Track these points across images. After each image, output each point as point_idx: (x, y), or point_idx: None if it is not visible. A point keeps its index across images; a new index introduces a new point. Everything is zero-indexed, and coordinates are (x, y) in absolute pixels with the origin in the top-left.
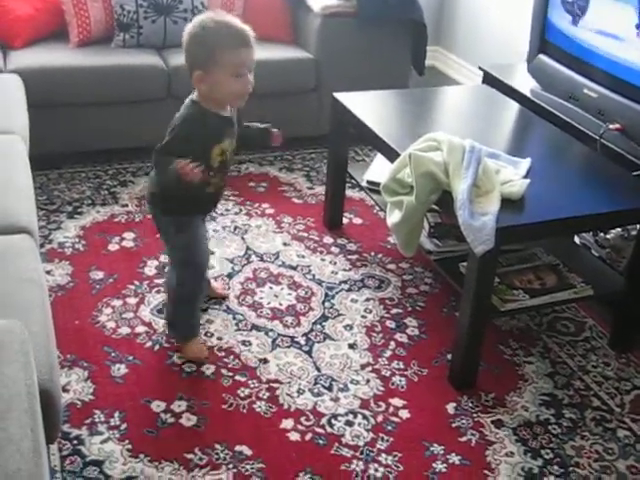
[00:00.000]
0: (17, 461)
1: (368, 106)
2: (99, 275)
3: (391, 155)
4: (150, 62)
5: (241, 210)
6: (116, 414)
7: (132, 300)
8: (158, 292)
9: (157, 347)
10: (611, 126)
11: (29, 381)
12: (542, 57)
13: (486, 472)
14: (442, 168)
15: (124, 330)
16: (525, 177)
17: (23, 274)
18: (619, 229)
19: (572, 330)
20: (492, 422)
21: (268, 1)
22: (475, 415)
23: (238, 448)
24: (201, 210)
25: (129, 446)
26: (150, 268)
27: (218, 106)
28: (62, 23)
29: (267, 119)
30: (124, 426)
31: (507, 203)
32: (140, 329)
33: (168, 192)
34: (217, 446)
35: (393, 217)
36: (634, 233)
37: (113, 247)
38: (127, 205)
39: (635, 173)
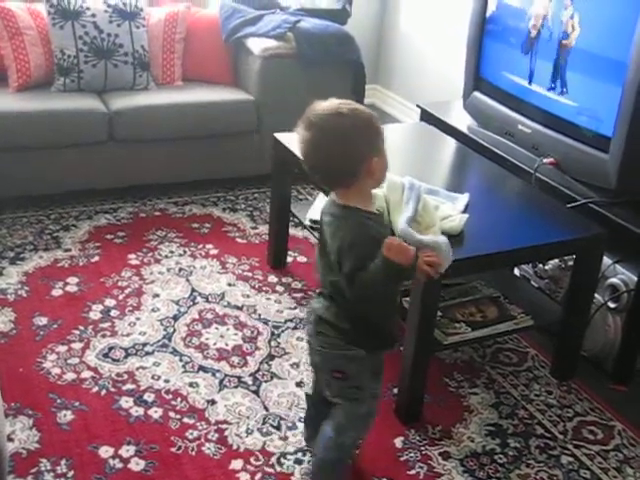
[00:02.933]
0: None
1: None
2: (43, 321)
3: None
4: (91, 106)
5: (185, 252)
6: (63, 462)
7: (77, 345)
8: (103, 336)
9: (104, 392)
10: (545, 160)
11: None
12: (477, 94)
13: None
14: (384, 205)
15: (69, 376)
16: (464, 212)
17: None
18: (557, 260)
19: (515, 360)
20: (439, 454)
21: (208, 44)
22: (422, 448)
23: None
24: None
25: None
26: (95, 312)
27: (369, 200)
28: (1, 68)
29: (210, 160)
30: (71, 474)
31: (448, 238)
32: (86, 374)
33: (373, 314)
34: None
35: None
36: (571, 264)
37: (57, 292)
38: (70, 249)
39: (569, 205)
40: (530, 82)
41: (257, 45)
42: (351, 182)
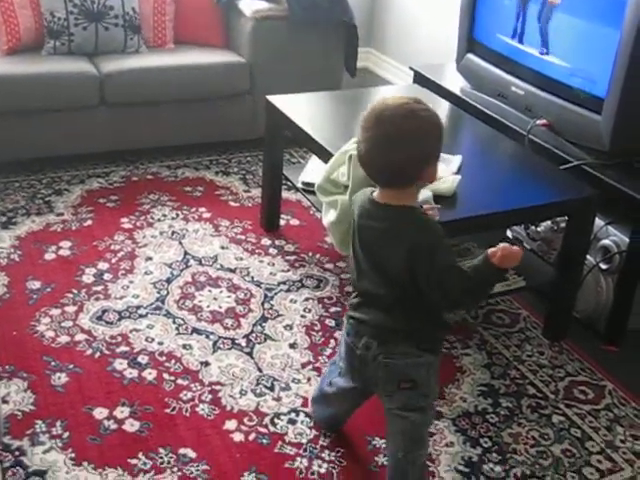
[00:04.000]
0: None
1: (301, 108)
2: (36, 285)
3: (324, 156)
4: (82, 69)
5: (178, 215)
6: (58, 423)
7: (71, 309)
8: (97, 299)
9: (98, 354)
10: (538, 122)
11: None
12: (470, 56)
13: (427, 463)
14: None
15: (63, 339)
16: (456, 173)
17: None
18: (549, 222)
19: (507, 322)
20: None
21: (200, 6)
22: None
23: (182, 451)
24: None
25: (72, 454)
26: (88, 276)
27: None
28: None
29: (202, 124)
30: (66, 435)
31: (440, 199)
32: (80, 337)
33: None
34: (161, 450)
35: (329, 216)
36: (563, 225)
37: (50, 256)
38: (63, 214)
39: (562, 167)
40: (521, 42)
41: (249, 7)
42: (411, 184)
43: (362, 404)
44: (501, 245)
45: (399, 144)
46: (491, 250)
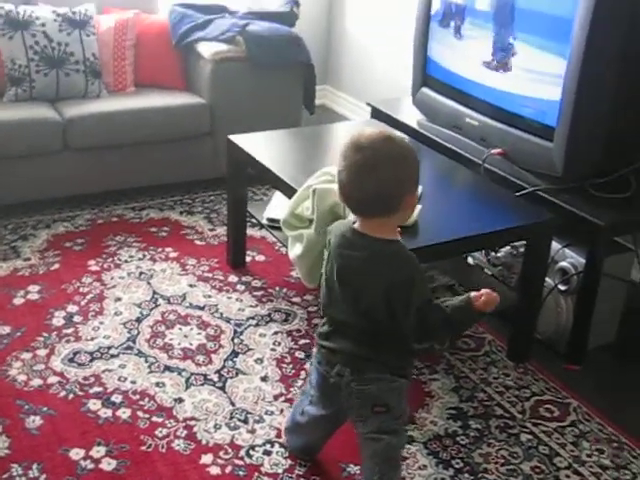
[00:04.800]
0: None
1: (263, 146)
2: (6, 330)
3: (288, 191)
4: (44, 115)
5: (145, 255)
6: (34, 466)
7: (42, 352)
8: (68, 342)
9: (71, 396)
10: (493, 151)
11: None
12: (425, 90)
13: None
14: (340, 202)
15: (36, 382)
16: (417, 204)
17: None
18: (509, 247)
19: (472, 346)
20: None
21: (159, 50)
22: None
23: None
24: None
25: None
26: (58, 319)
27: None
28: None
29: (165, 165)
30: (43, 477)
31: (403, 229)
32: (52, 379)
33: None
34: None
35: (295, 250)
36: (522, 250)
37: (18, 301)
38: (30, 259)
39: (518, 193)
40: (473, 75)
41: (207, 49)
42: (393, 212)
43: (335, 431)
44: (484, 290)
45: (378, 168)
46: (474, 294)
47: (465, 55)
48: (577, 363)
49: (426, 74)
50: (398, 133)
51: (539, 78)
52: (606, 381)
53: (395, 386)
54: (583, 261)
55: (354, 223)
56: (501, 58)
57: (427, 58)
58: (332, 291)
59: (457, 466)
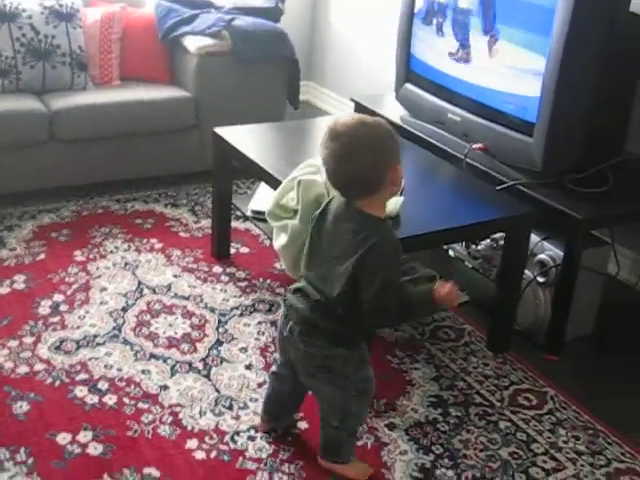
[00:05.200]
0: None
1: (248, 139)
2: None
3: (273, 183)
4: (31, 107)
5: (130, 247)
6: (22, 450)
7: (28, 339)
8: (54, 330)
9: (58, 383)
10: (474, 146)
11: None
12: (408, 86)
13: (383, 471)
14: (324, 192)
15: (23, 369)
16: (399, 196)
17: None
18: (489, 240)
19: (453, 336)
20: (385, 425)
21: (145, 43)
22: (369, 420)
23: (146, 471)
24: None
25: (38, 479)
26: (44, 308)
27: (384, 209)
28: None
29: (151, 158)
30: (31, 461)
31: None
32: (39, 367)
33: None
34: (126, 471)
35: (280, 240)
36: (502, 243)
37: (4, 290)
38: (15, 249)
39: (498, 187)
40: (455, 71)
41: (193, 43)
42: (376, 190)
43: (297, 398)
44: (448, 286)
45: (360, 150)
46: (437, 287)
47: (447, 52)
48: (555, 354)
49: (409, 70)
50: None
51: (520, 74)
52: (583, 371)
53: (339, 354)
54: (561, 254)
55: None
56: (480, 54)
57: (410, 54)
58: (314, 252)
59: (437, 452)
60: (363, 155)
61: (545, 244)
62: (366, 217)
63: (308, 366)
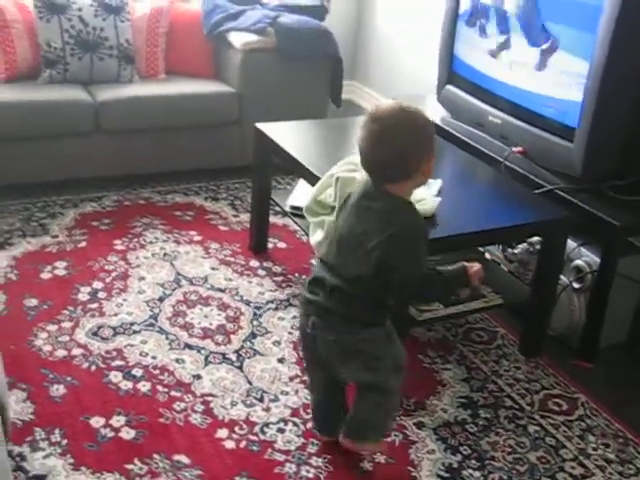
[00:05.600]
0: None
1: (289, 135)
2: (33, 302)
3: (312, 180)
4: (78, 97)
5: (169, 238)
6: (57, 431)
7: (67, 324)
8: (92, 316)
9: (93, 367)
10: (514, 149)
11: None
12: (450, 87)
13: (410, 469)
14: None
15: (60, 353)
16: (437, 196)
17: None
18: (525, 244)
19: (485, 339)
20: (414, 424)
21: (191, 38)
22: (398, 418)
23: (176, 457)
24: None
25: (71, 460)
26: (83, 294)
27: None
28: None
29: (193, 151)
30: (65, 442)
31: None
32: (76, 351)
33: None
34: (156, 456)
35: (316, 236)
36: (539, 247)
37: (46, 275)
38: (57, 236)
39: (536, 191)
40: (498, 74)
41: (238, 39)
42: (407, 177)
43: (337, 391)
44: (476, 263)
45: (393, 137)
46: (468, 264)
47: (489, 53)
48: (589, 360)
49: (451, 72)
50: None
51: (562, 78)
52: (616, 379)
53: (365, 336)
54: (598, 260)
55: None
56: (522, 57)
57: (453, 56)
58: (338, 239)
59: (465, 452)
60: (401, 139)
61: (582, 250)
62: (395, 198)
63: (339, 354)
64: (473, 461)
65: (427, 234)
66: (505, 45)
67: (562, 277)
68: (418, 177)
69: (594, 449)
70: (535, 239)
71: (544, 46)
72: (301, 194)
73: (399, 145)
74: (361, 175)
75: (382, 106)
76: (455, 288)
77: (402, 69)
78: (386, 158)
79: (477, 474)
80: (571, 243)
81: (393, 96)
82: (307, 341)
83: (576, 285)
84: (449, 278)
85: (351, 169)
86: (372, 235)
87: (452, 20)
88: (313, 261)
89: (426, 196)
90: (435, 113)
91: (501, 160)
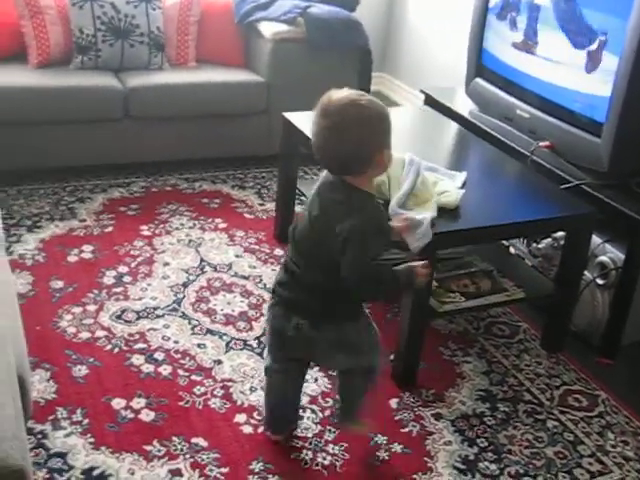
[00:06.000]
0: (1, 423)
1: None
2: (59, 284)
3: None
4: (108, 83)
5: (195, 225)
6: (78, 411)
7: (91, 307)
8: (116, 300)
9: (116, 350)
10: (541, 144)
11: (7, 358)
12: (479, 81)
13: (426, 459)
14: (385, 179)
15: (84, 335)
16: (461, 188)
17: None
18: (550, 239)
19: (507, 333)
20: (432, 415)
21: (221, 27)
22: (416, 409)
23: (194, 440)
24: None
25: (91, 439)
26: (108, 278)
27: (372, 187)
28: (22, 45)
29: (220, 139)
30: (86, 422)
31: (444, 211)
32: (100, 334)
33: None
34: (174, 439)
35: None
36: (563, 242)
37: (72, 259)
38: (85, 220)
39: (563, 186)
40: (526, 68)
41: (268, 29)
42: (364, 170)
43: (300, 388)
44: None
45: (345, 133)
46: (415, 263)
47: (519, 47)
48: (611, 357)
49: (480, 65)
50: (371, 96)
51: (591, 74)
52: (637, 376)
53: (350, 328)
54: (622, 257)
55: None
56: (551, 51)
57: (482, 49)
58: (306, 230)
59: (482, 445)
60: (353, 134)
61: (607, 246)
62: (354, 190)
63: (324, 350)
64: (490, 454)
65: (383, 228)
66: (535, 39)
67: (586, 273)
68: (374, 169)
69: (613, 446)
70: (560, 234)
71: (572, 40)
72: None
73: (349, 140)
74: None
75: (332, 100)
76: (403, 286)
77: (432, 61)
78: (338, 153)
79: (493, 467)
80: (596, 239)
81: (423, 87)
82: (285, 342)
83: (600, 281)
84: (399, 277)
85: None
86: (335, 225)
87: (482, 13)
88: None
89: (450, 188)
90: (464, 106)
91: (528, 154)
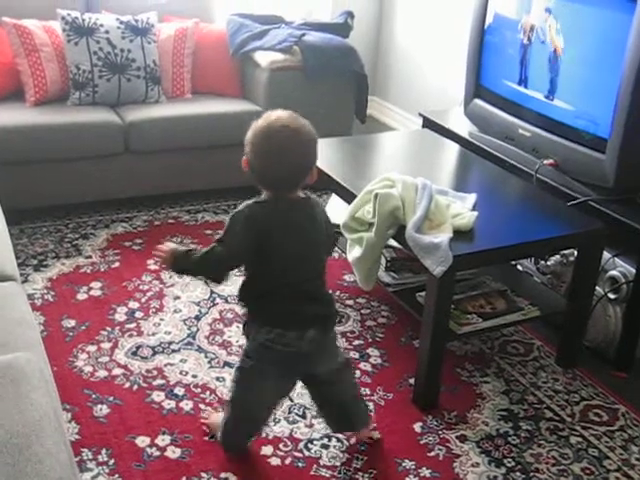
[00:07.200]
0: (57, 471)
1: (320, 152)
2: (71, 323)
3: (347, 196)
4: (107, 119)
5: None
6: (103, 451)
7: (106, 345)
8: (130, 336)
9: (135, 387)
10: (545, 162)
11: (54, 404)
12: (478, 101)
13: None
14: (399, 204)
15: (101, 373)
16: (472, 210)
17: (17, 316)
18: (558, 256)
19: (522, 351)
20: (457, 437)
21: (216, 58)
22: (440, 432)
23: (223, 475)
24: None
25: (120, 479)
26: (120, 314)
27: None
28: (18, 84)
29: (221, 170)
30: (112, 462)
31: (459, 234)
32: (117, 371)
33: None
34: (203, 475)
35: (354, 253)
36: (572, 259)
37: (82, 296)
38: (91, 256)
39: (570, 203)
40: (526, 87)
41: (264, 58)
42: (302, 184)
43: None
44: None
45: (287, 155)
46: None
47: (518, 67)
48: (625, 370)
49: (479, 85)
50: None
51: (592, 90)
52: None
53: (334, 330)
54: (633, 270)
55: (265, 201)
56: (554, 69)
57: (480, 70)
58: (283, 258)
59: (509, 465)
60: (294, 156)
61: (617, 260)
62: (304, 200)
63: (333, 348)
64: (518, 473)
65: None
66: (533, 58)
67: (597, 288)
68: (304, 182)
69: (638, 459)
70: (568, 251)
71: (572, 57)
72: (334, 211)
73: (293, 162)
74: (397, 191)
75: (271, 120)
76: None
77: (422, 84)
78: (282, 174)
79: None
80: (606, 254)
81: (413, 110)
82: (298, 361)
83: (611, 296)
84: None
85: (388, 185)
86: (318, 235)
87: (478, 34)
88: (346, 277)
89: (463, 211)
90: (462, 127)
91: (532, 173)
